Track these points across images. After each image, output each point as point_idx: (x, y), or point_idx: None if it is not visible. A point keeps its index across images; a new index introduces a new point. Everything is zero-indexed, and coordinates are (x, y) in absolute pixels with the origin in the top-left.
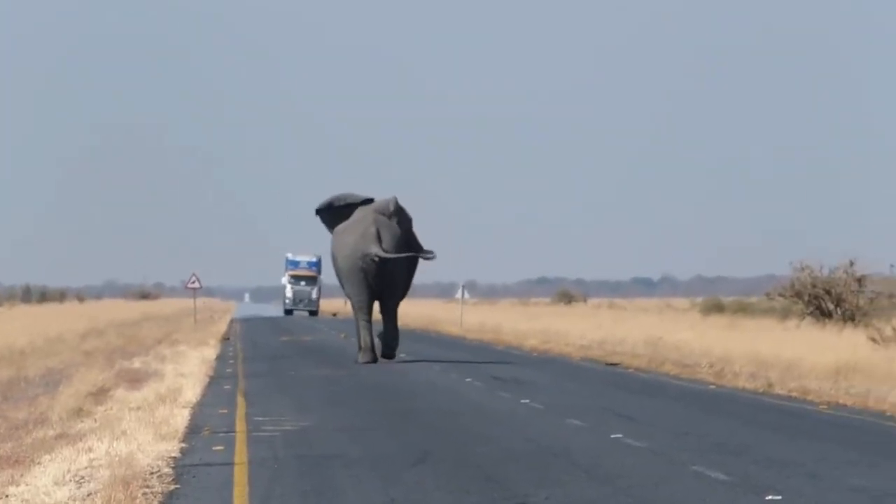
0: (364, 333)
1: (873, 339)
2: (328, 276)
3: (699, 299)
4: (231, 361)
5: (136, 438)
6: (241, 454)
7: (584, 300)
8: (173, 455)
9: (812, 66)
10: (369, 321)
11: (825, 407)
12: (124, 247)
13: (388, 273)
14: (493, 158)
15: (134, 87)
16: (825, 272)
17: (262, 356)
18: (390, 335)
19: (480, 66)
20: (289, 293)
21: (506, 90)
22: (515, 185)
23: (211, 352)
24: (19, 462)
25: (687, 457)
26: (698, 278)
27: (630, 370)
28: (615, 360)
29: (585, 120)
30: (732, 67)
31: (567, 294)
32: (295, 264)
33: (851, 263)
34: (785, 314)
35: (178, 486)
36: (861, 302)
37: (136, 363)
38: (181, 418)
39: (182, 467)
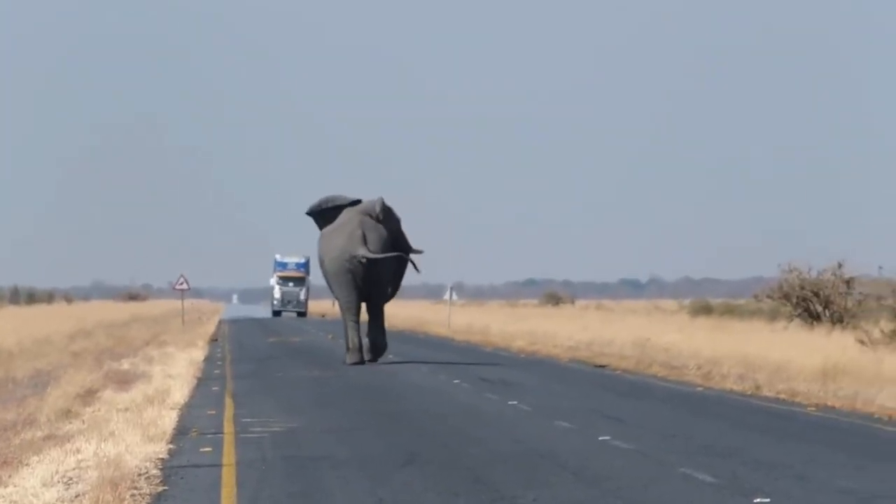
0: (352, 334)
1: (861, 342)
2: (316, 277)
3: (687, 301)
4: (219, 363)
5: (125, 440)
6: (229, 455)
7: (572, 302)
8: (161, 456)
9: (812, 66)
10: (357, 322)
11: (813, 409)
12: (111, 248)
13: (376, 274)
14: (490, 159)
15: (134, 87)
16: (813, 274)
17: (251, 357)
18: (377, 336)
19: (480, 66)
20: (277, 294)
21: (506, 90)
22: (511, 186)
23: (199, 353)
24: (7, 463)
25: (675, 459)
26: (686, 280)
27: (618, 372)
28: (603, 361)
29: (585, 120)
30: (732, 67)
31: (555, 295)
32: (283, 265)
33: (840, 265)
34: (773, 316)
35: (166, 487)
36: (849, 304)
37: (125, 364)
38: (169, 420)
39: (170, 469)
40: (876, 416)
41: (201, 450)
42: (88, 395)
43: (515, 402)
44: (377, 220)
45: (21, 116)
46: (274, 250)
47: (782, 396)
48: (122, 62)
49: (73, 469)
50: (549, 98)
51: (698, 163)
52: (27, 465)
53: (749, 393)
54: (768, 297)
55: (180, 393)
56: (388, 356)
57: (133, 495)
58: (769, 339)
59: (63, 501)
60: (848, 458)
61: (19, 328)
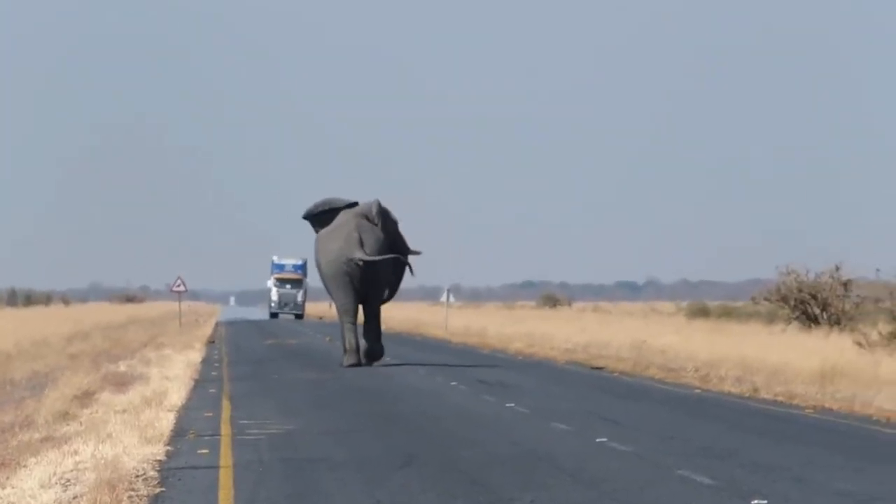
0: (349, 336)
1: (859, 344)
2: (313, 279)
3: (684, 303)
4: (216, 365)
5: (122, 441)
6: (226, 457)
7: (569, 304)
8: (159, 458)
9: (812, 66)
10: (354, 324)
11: (811, 411)
12: (109, 250)
13: (373, 276)
14: (490, 159)
15: (134, 87)
16: (811, 276)
17: (248, 359)
18: (374, 341)
19: (480, 66)
20: (274, 296)
21: (506, 90)
22: (509, 187)
23: (196, 355)
24: (5, 465)
25: (672, 461)
26: (683, 282)
27: (615, 374)
28: (600, 363)
29: (584, 120)
30: (732, 67)
31: (552, 297)
32: (280, 267)
33: (837, 268)
34: (771, 318)
35: (163, 489)
36: (847, 306)
37: (122, 366)
38: (166, 421)
39: (167, 470)
40: (874, 418)
41: (198, 451)
42: (86, 397)
43: (513, 404)
44: (373, 222)
45: (21, 116)
46: (273, 252)
47: (780, 399)
48: (122, 62)
49: (71, 471)
50: (548, 98)
51: (698, 163)
52: (25, 466)
53: (747, 395)
54: (766, 299)
55: (177, 395)
56: (386, 358)
57: (130, 497)
58: (767, 342)
59: (60, 503)
60: (846, 460)
61: (17, 330)
